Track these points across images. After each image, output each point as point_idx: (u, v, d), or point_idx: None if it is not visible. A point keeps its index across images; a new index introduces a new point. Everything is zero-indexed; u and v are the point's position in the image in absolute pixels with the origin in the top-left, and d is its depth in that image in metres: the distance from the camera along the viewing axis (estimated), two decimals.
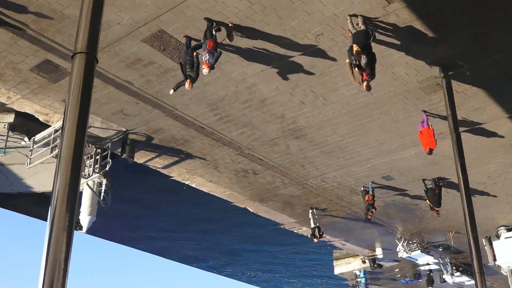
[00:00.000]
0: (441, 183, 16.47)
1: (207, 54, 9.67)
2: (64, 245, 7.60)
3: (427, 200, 16.41)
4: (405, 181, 16.64)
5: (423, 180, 16.41)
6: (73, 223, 8.22)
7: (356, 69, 9.51)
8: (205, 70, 9.80)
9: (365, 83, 9.60)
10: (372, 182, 16.29)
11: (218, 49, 9.77)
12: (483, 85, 12.04)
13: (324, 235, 21.03)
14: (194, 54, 9.97)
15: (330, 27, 9.82)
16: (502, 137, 14.19)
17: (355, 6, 9.50)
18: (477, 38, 10.52)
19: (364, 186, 16.18)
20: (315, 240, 18.19)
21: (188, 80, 9.97)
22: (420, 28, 10.11)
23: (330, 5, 9.48)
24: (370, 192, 15.87)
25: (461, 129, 11.66)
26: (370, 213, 15.72)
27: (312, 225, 18.18)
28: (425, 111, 12.41)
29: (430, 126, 12.11)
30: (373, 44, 10.42)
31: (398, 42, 10.50)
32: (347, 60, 9.87)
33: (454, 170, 11.63)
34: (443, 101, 11.81)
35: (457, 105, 11.78)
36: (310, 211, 18.22)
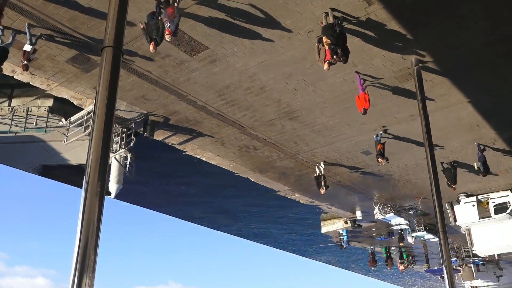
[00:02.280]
0: (455, 164, 16.45)
1: (168, 22, 9.12)
2: (97, 208, 7.63)
3: (445, 178, 16.25)
4: None
5: (441, 163, 16.16)
6: (104, 190, 8.24)
7: (322, 49, 9.50)
8: (168, 37, 9.28)
9: (326, 64, 9.55)
10: (383, 132, 15.00)
11: (177, 15, 9.13)
12: (448, 74, 12.03)
13: (313, 201, 21.17)
14: (160, 18, 9.26)
15: (319, 25, 9.73)
16: (463, 118, 14.19)
17: (341, 7, 9.44)
18: (443, 34, 10.50)
19: (376, 136, 14.93)
20: (322, 191, 16.85)
21: (153, 43, 9.34)
22: (395, 27, 10.08)
23: (319, 6, 9.43)
24: (380, 142, 14.82)
25: (429, 111, 11.63)
26: (381, 159, 14.51)
27: (318, 172, 17.07)
28: (357, 72, 11.76)
29: (366, 92, 11.62)
30: (356, 40, 10.42)
31: (377, 38, 10.46)
32: (316, 44, 9.86)
33: (423, 146, 11.65)
34: (414, 88, 11.83)
35: (426, 91, 11.83)
36: (317, 164, 17.16)
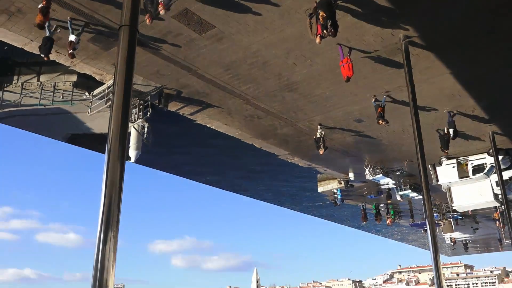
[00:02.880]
0: (448, 131, 16.29)
1: None
2: (118, 171, 7.70)
3: (440, 144, 16.29)
4: (372, 123, 16.61)
5: (437, 130, 16.20)
6: (124, 155, 8.29)
7: (314, 24, 9.31)
8: (162, 11, 9.11)
9: (318, 38, 9.42)
10: (386, 96, 14.37)
11: None
12: (432, 48, 11.93)
13: (310, 164, 21.25)
14: None
15: (314, 2, 9.57)
16: (445, 88, 14.09)
17: None
18: (429, 11, 10.37)
19: (376, 100, 14.38)
20: (321, 152, 16.28)
21: (148, 15, 9.24)
22: (386, 4, 9.94)
23: None
24: (382, 105, 14.28)
25: (415, 82, 11.57)
26: (381, 120, 14.12)
27: (318, 135, 16.54)
28: (339, 44, 11.34)
29: (349, 59, 11.32)
30: (349, 18, 10.28)
31: (368, 15, 10.34)
32: (308, 19, 9.64)
33: (409, 114, 11.63)
34: (402, 61, 11.72)
35: (413, 64, 11.71)
36: (319, 126, 16.61)
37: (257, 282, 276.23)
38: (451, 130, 15.56)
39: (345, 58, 11.40)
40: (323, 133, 16.55)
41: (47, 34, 10.33)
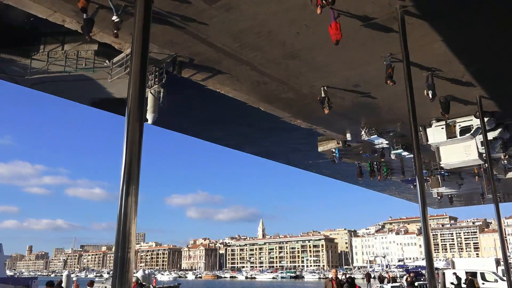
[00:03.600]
0: (448, 98, 16.26)
1: None
2: (137, 131, 7.76)
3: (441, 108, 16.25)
4: (369, 88, 16.47)
5: (439, 98, 15.72)
6: (142, 117, 8.32)
7: None
8: None
9: (318, 8, 9.28)
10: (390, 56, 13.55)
11: None
12: (426, 18, 11.65)
13: (311, 126, 21.20)
14: None
15: None
16: (438, 55, 13.83)
17: None
18: None
19: (392, 58, 13.44)
20: (326, 111, 15.82)
21: None
22: None
23: None
24: (391, 66, 13.56)
25: (409, 50, 11.39)
26: (389, 81, 13.54)
27: (323, 95, 15.94)
28: (332, 8, 10.43)
29: (337, 21, 10.72)
30: None
31: None
32: None
33: (403, 79, 11.51)
34: (398, 30, 11.51)
35: (408, 33, 11.51)
36: (323, 88, 15.98)
37: (262, 231, 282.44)
38: (430, 92, 15.14)
39: (333, 22, 10.94)
40: (327, 94, 16.10)
41: (87, 16, 10.42)
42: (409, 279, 33.34)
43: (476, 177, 26.17)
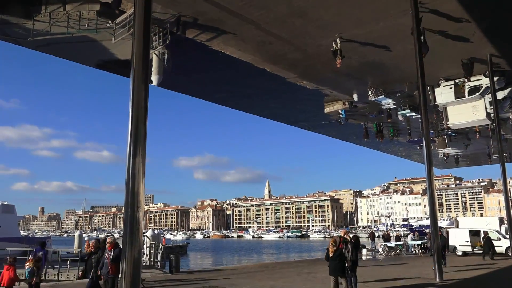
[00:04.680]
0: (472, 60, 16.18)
1: None
2: (143, 92, 7.76)
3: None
4: (377, 46, 16.16)
5: (461, 59, 15.88)
6: (147, 78, 8.29)
7: None
8: None
9: None
10: None
11: None
12: None
13: (317, 86, 21.00)
14: None
15: None
16: (450, 11, 13.42)
17: None
18: None
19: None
20: (338, 61, 15.26)
21: None
22: None
23: None
24: None
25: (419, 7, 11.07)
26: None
27: (334, 48, 15.33)
28: None
29: None
30: None
31: None
32: None
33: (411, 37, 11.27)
34: None
35: None
36: (334, 40, 15.29)
37: (269, 192, 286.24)
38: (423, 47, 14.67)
39: None
40: (339, 45, 15.42)
41: None
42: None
43: (477, 134, 25.99)
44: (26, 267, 11.56)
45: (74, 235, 43.24)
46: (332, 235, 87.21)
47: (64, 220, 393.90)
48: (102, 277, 10.33)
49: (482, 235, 27.34)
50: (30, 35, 14.04)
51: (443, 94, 19.82)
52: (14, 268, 11.50)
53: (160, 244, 22.53)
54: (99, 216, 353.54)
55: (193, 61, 18.35)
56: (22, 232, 70.40)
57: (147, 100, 7.81)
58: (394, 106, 22.60)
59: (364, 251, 30.87)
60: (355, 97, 22.44)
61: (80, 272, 11.91)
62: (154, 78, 14.16)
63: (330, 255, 12.21)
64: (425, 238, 33.18)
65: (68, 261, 20.47)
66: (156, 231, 40.27)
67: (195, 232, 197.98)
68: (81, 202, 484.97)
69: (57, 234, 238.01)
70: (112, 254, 10.31)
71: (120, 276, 9.97)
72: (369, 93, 20.98)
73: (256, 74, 18.91)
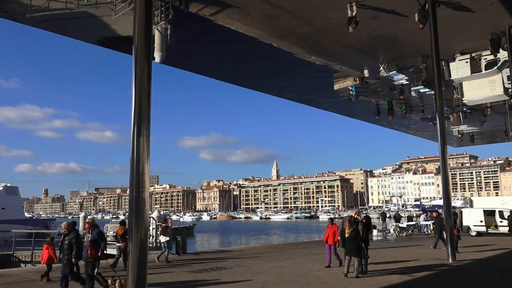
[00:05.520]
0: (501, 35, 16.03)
1: None
2: (146, 69, 7.76)
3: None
4: (389, 19, 15.90)
5: (492, 33, 15.60)
6: (150, 55, 8.28)
7: None
8: None
9: None
10: None
11: None
12: None
13: (327, 62, 20.79)
14: None
15: None
16: None
17: None
18: None
19: None
20: (351, 29, 14.86)
21: None
22: None
23: None
24: None
25: None
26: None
27: (349, 15, 14.87)
28: None
29: None
30: None
31: None
32: None
33: None
34: None
35: None
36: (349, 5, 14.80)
37: (277, 172, 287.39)
38: (419, 17, 14.34)
39: None
40: (355, 11, 14.87)
41: None
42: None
43: (489, 110, 25.73)
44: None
45: (79, 217, 44.02)
46: (341, 215, 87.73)
47: (68, 202, 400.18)
48: (73, 260, 9.94)
49: (508, 214, 27.49)
50: (28, 11, 13.96)
51: (459, 68, 19.54)
52: (52, 247, 12.22)
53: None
54: (104, 197, 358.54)
55: (197, 37, 18.21)
56: (26, 214, 71.67)
57: (151, 77, 7.82)
58: (407, 82, 22.35)
59: (374, 232, 31.13)
60: (366, 73, 22.21)
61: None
62: (157, 55, 14.09)
63: (346, 235, 12.37)
64: (425, 219, 33.38)
65: None
66: (162, 212, 40.82)
67: (201, 213, 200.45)
68: (85, 183, 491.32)
69: (61, 216, 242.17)
70: (90, 236, 9.95)
71: (99, 259, 9.99)
72: (381, 68, 20.74)
73: (262, 49, 18.74)
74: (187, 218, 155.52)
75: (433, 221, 25.96)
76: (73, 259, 9.98)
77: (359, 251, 12.25)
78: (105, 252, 10.36)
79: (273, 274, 13.22)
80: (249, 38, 17.11)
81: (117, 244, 15.83)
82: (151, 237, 20.68)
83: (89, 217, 13.81)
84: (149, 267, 10.11)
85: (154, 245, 19.72)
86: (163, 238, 17.40)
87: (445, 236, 19.70)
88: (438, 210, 27.70)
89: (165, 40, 14.11)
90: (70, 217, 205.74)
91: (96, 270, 10.04)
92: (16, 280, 12.42)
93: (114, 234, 18.36)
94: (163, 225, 18.24)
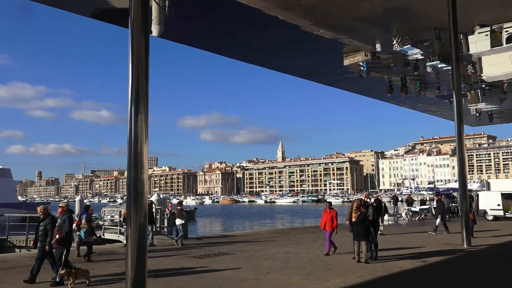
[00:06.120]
0: None
1: None
2: (143, 43, 7.70)
3: None
4: None
5: None
6: (147, 28, 8.20)
7: None
8: None
9: None
10: None
11: None
12: None
13: (336, 36, 20.53)
14: None
15: None
16: None
17: None
18: None
19: None
20: None
21: None
22: None
23: None
24: None
25: None
26: None
27: None
28: None
29: None
30: None
31: None
32: None
33: None
34: None
35: None
36: None
37: (282, 154, 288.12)
38: None
39: None
40: None
41: None
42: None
43: (505, 85, 25.45)
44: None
45: (75, 201, 44.47)
46: (350, 199, 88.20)
47: (63, 185, 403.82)
48: (47, 247, 9.48)
49: None
50: None
51: (478, 42, 19.25)
52: None
53: (167, 209, 23.09)
54: (100, 180, 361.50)
55: (197, 9, 18.01)
56: (19, 198, 72.45)
57: (148, 52, 7.77)
58: (422, 57, 22.09)
59: (385, 216, 31.30)
60: (378, 47, 21.96)
61: (32, 242, 11.07)
62: (155, 28, 14.01)
63: (353, 220, 12.54)
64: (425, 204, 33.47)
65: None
66: (161, 196, 41.18)
67: (203, 197, 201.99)
68: (80, 165, 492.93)
69: (56, 199, 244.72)
70: (59, 221, 9.67)
71: (70, 247, 9.77)
72: (394, 42, 20.47)
73: (267, 22, 18.53)
74: (191, 201, 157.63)
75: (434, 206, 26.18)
76: (46, 247, 9.56)
77: (367, 236, 12.37)
78: (57, 238, 9.68)
79: (279, 259, 13.37)
80: (252, 9, 16.89)
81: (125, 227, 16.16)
82: (165, 221, 21.19)
83: (63, 200, 13.92)
84: (149, 250, 10.23)
85: (154, 229, 19.92)
86: (178, 221, 17.95)
87: (438, 221, 19.97)
88: (442, 194, 27.79)
89: (163, 12, 13.99)
90: (65, 200, 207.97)
91: (63, 258, 9.60)
92: (11, 265, 12.64)
93: (121, 218, 18.80)
94: (179, 207, 18.67)
